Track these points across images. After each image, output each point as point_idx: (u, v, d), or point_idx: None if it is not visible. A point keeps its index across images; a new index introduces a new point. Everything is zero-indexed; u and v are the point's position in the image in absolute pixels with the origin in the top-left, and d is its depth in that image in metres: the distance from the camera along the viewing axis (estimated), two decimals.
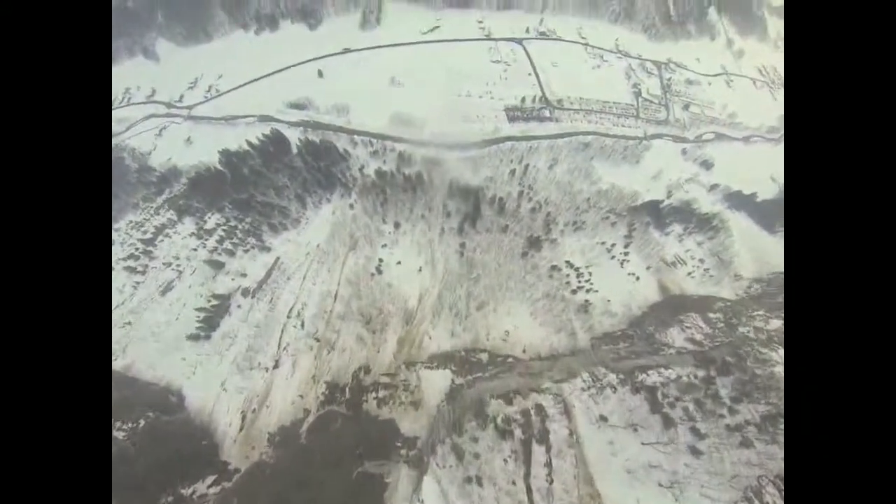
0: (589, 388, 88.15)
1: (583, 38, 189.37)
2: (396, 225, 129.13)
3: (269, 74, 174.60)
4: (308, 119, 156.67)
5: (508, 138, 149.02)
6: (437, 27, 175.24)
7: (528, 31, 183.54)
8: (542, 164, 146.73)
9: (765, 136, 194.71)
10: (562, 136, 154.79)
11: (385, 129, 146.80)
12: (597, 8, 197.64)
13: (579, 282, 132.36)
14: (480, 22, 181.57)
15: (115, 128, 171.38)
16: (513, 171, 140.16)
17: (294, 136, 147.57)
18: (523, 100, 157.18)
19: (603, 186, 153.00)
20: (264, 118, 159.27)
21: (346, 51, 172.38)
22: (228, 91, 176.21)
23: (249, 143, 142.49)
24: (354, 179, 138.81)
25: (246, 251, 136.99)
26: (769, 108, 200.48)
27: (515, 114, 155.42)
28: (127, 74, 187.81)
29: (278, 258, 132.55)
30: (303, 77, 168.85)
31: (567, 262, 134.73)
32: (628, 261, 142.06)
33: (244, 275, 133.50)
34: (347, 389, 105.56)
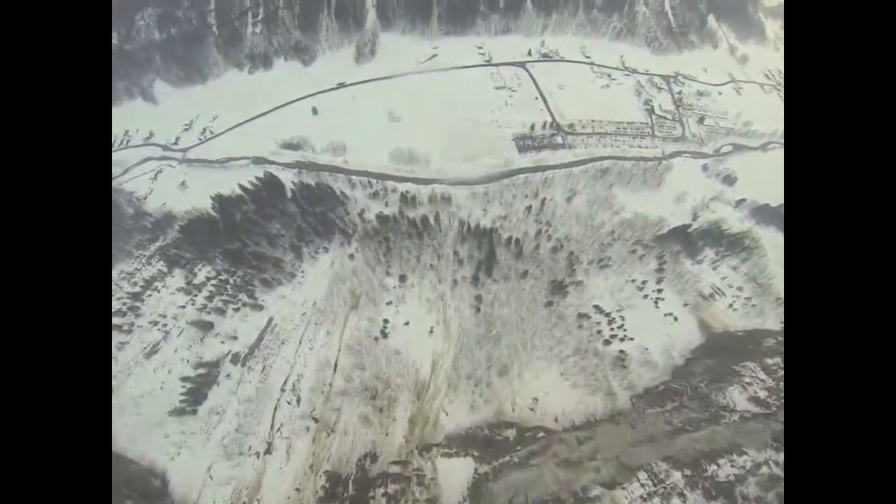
0: (650, 495, 64.92)
1: (587, 57, 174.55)
2: (402, 278, 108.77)
3: (262, 114, 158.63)
4: (303, 160, 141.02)
5: (521, 170, 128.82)
6: (435, 55, 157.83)
7: (530, 53, 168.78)
8: (559, 196, 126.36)
9: (781, 141, 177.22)
10: (577, 163, 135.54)
11: (385, 167, 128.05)
12: (597, 26, 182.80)
13: (612, 329, 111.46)
14: (480, 48, 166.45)
15: (113, 171, 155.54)
16: (528, 208, 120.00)
17: (288, 179, 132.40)
18: (533, 127, 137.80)
19: (626, 215, 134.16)
20: (258, 160, 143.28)
21: (341, 85, 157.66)
22: (223, 132, 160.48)
23: (242, 187, 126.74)
24: (354, 226, 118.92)
25: (237, 309, 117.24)
26: (780, 111, 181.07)
27: (526, 143, 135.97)
28: (126, 117, 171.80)
29: (271, 319, 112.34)
30: (297, 115, 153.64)
31: (596, 307, 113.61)
32: (663, 299, 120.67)
33: (234, 337, 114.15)
34: (351, 482, 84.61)
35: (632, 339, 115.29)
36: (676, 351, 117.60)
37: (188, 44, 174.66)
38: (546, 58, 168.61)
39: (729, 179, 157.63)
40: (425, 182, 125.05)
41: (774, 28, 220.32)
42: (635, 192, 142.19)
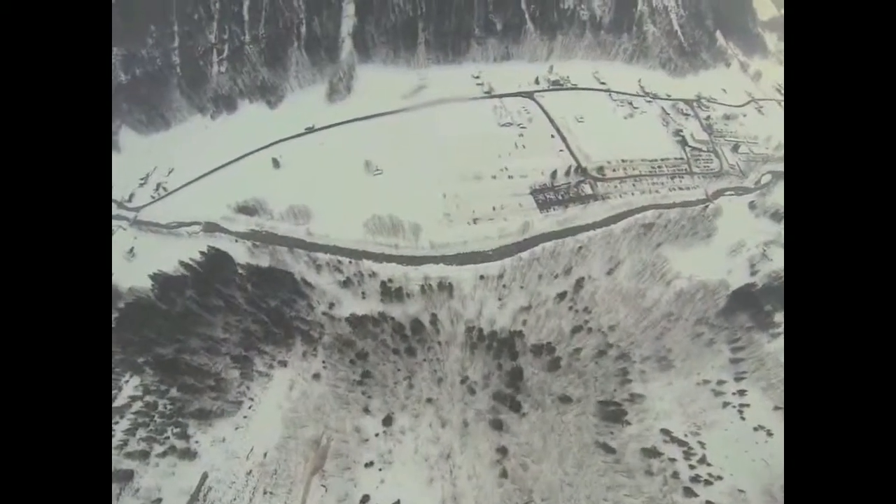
0: None
1: (602, 83, 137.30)
2: (387, 420, 64.38)
3: (217, 169, 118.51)
4: (259, 228, 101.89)
5: (545, 237, 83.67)
6: (423, 88, 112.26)
7: (537, 81, 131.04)
8: (597, 269, 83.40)
9: None
10: (616, 218, 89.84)
11: (360, 241, 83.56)
12: (607, 48, 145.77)
13: (691, 465, 72.63)
14: (477, 77, 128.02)
15: None
16: (561, 295, 73.22)
17: (241, 255, 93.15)
18: (554, 174, 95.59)
19: (681, 284, 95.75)
20: (210, 227, 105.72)
21: (310, 130, 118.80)
22: (176, 190, 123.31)
23: (185, 265, 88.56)
24: (320, 328, 73.30)
25: (163, 454, 74.59)
26: None
27: (547, 196, 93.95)
28: None
29: (205, 476, 69.54)
30: (256, 169, 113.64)
31: (664, 432, 68.21)
32: (748, 405, 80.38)
33: (158, 500, 66.40)
34: None
35: (720, 477, 73.85)
36: (779, 485, 72.98)
37: (152, 86, 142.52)
38: (557, 86, 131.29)
39: (777, 216, 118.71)
40: (415, 262, 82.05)
41: (773, 40, 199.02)
42: (686, 248, 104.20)
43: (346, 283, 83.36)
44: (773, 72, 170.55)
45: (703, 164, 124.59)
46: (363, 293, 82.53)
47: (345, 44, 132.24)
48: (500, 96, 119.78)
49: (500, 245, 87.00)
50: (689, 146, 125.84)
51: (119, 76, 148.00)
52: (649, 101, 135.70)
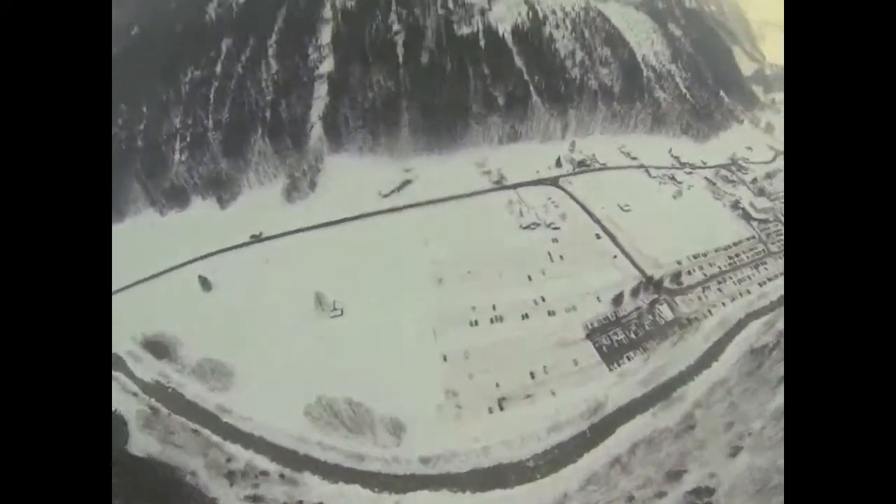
0: None
1: (633, 158, 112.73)
2: None
3: (140, 282, 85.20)
4: (164, 380, 65.09)
5: (625, 413, 45.66)
6: (409, 183, 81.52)
7: (559, 163, 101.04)
8: (719, 456, 40.13)
9: None
10: (716, 350, 52.91)
11: (300, 437, 41.96)
12: (624, 119, 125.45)
13: None
14: (481, 164, 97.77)
15: None
16: None
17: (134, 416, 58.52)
18: (617, 299, 56.46)
19: None
20: (117, 362, 68.78)
21: (255, 239, 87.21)
22: None
23: None
24: None
25: None
26: None
27: (613, 338, 57.64)
28: None
29: None
30: (181, 289, 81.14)
31: None
32: None
33: None
34: None
35: None
36: None
37: (114, 170, 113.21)
38: (584, 167, 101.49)
39: None
40: (395, 485, 42.29)
41: (758, 92, 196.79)
42: None
43: None
44: (778, 121, 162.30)
45: (776, 237, 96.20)
46: None
47: (314, 129, 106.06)
48: (516, 186, 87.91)
49: (549, 446, 47.69)
50: (755, 219, 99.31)
51: None
52: (689, 173, 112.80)
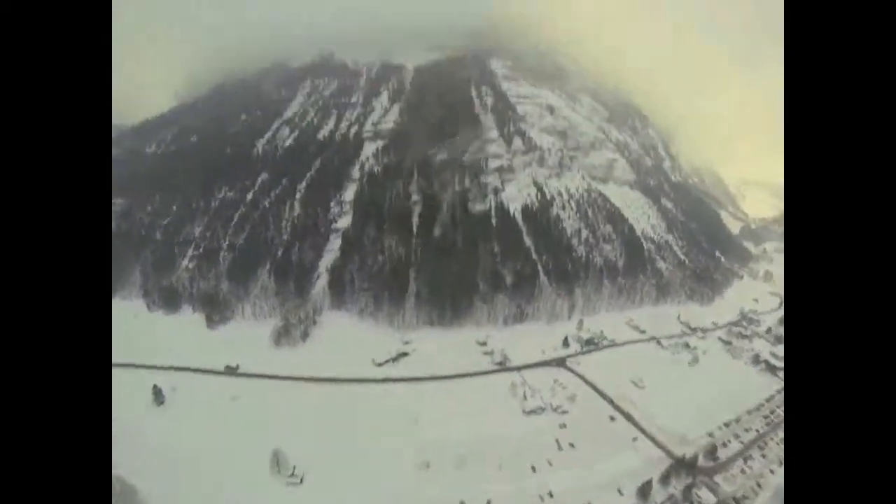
0: None
1: (642, 331, 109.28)
2: None
3: None
4: None
5: None
6: (406, 355, 78.12)
7: (566, 343, 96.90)
8: None
9: None
10: None
11: None
12: (631, 294, 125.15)
13: None
14: (483, 344, 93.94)
15: None
16: None
17: None
18: (644, 490, 47.85)
19: None
20: None
21: (230, 370, 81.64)
22: None
23: None
24: None
25: None
26: None
27: None
28: None
29: None
30: (131, 390, 71.54)
31: None
32: None
33: None
34: None
35: None
36: None
37: (125, 247, 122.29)
38: (592, 345, 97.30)
39: None
40: None
41: (750, 246, 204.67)
42: None
43: None
44: (774, 269, 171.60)
45: None
46: None
47: (319, 280, 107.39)
48: (520, 368, 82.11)
49: None
50: (780, 368, 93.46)
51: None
52: (702, 337, 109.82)
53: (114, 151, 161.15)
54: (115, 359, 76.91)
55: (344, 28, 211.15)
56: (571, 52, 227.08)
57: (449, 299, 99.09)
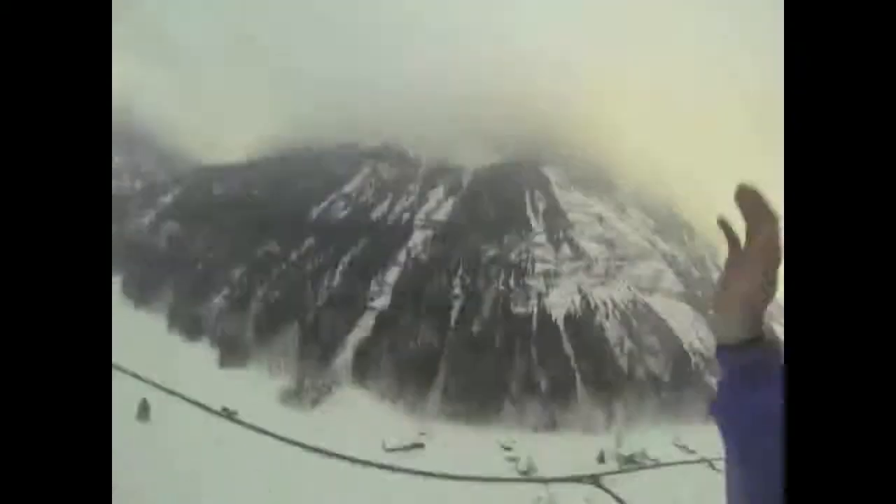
0: None
1: (692, 451, 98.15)
2: None
3: None
4: None
5: None
6: (420, 447, 71.42)
7: (602, 459, 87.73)
8: None
9: None
10: None
11: None
12: (676, 411, 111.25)
13: None
14: (509, 449, 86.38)
15: None
16: None
17: None
18: None
19: None
20: None
21: (225, 413, 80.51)
22: None
23: None
24: None
25: None
26: None
27: None
28: None
29: None
30: (119, 398, 55.19)
31: None
32: None
33: None
34: None
35: None
36: None
37: (164, 269, 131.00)
38: (632, 463, 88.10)
39: None
40: None
41: None
42: None
43: None
44: None
45: None
46: None
47: (345, 352, 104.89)
48: (547, 481, 73.37)
49: None
50: None
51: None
52: None
53: (187, 182, 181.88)
54: (117, 362, 77.81)
55: (411, 120, 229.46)
56: (620, 160, 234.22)
57: (478, 396, 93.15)
